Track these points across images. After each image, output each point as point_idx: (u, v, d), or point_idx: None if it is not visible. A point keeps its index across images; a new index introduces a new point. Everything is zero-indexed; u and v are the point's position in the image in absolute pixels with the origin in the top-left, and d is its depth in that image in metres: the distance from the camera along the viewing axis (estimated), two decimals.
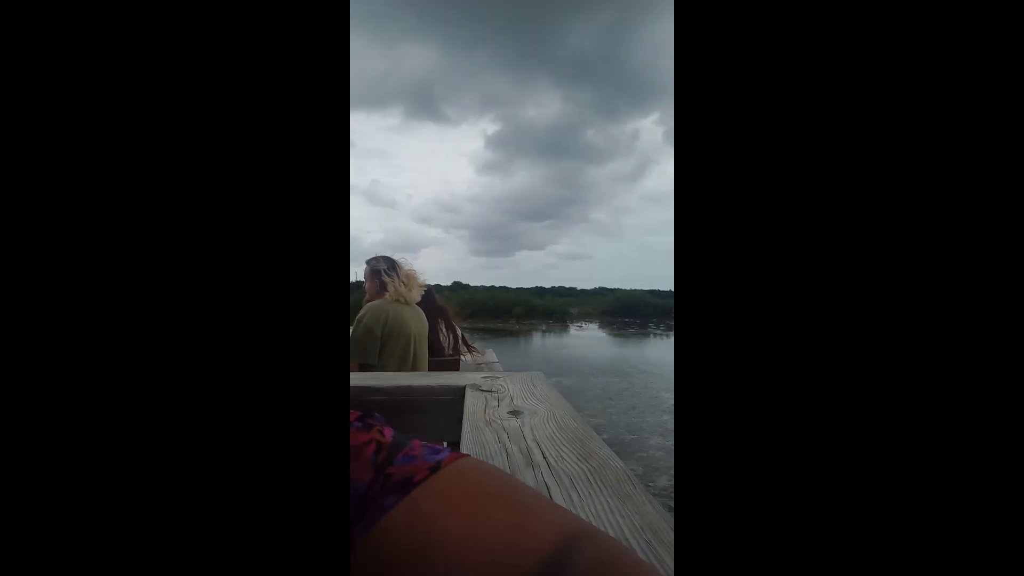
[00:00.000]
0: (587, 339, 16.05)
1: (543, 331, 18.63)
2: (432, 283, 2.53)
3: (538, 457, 0.69)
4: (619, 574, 0.21)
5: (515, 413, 0.93)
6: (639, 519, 0.47)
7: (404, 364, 2.05)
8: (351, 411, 0.34)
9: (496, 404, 1.01)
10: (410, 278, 2.18)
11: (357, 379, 1.40)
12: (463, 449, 0.75)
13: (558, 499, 0.56)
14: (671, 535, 0.44)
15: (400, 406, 1.23)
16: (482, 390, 1.15)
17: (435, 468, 0.30)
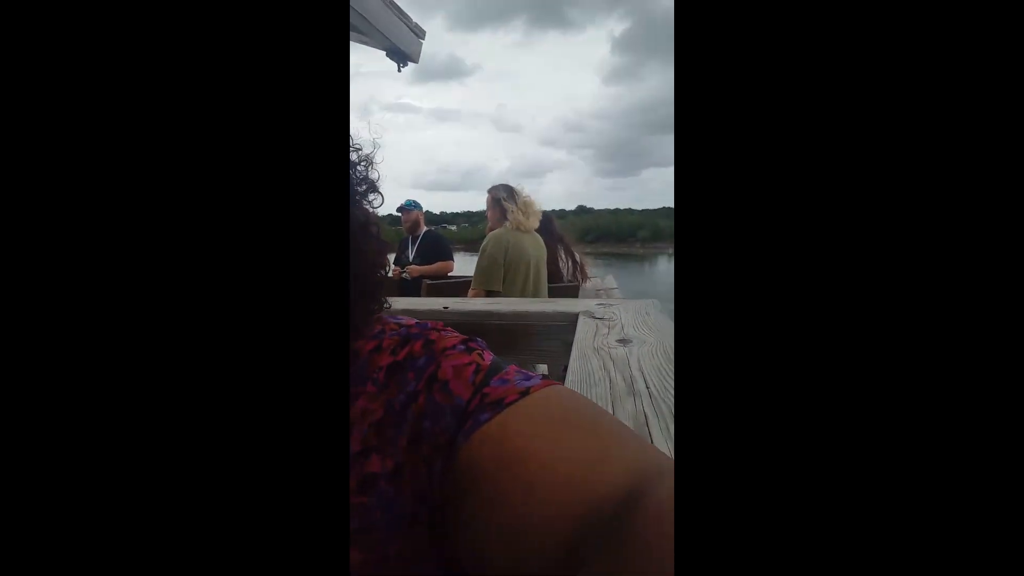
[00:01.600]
0: None
1: (670, 255, 17.84)
2: (556, 208, 2.52)
3: (641, 386, 0.70)
4: None
5: (624, 341, 0.94)
6: None
7: (525, 290, 2.13)
8: (455, 335, 0.39)
9: (606, 332, 1.03)
10: (528, 205, 2.21)
11: (477, 304, 1.51)
12: (569, 374, 0.79)
13: (655, 429, 0.58)
14: None
15: (517, 330, 1.31)
16: (595, 317, 1.17)
17: (524, 392, 0.34)
